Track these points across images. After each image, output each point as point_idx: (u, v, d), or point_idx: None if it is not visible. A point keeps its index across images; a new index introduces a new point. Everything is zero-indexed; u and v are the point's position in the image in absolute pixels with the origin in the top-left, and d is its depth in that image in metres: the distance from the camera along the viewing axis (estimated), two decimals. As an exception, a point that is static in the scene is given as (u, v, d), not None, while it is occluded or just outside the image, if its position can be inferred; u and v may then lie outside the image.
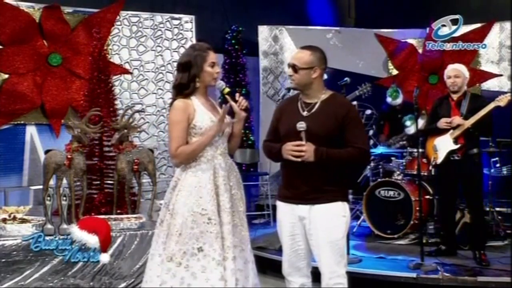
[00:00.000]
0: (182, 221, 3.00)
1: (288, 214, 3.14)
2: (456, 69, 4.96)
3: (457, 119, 4.81)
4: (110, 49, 6.55)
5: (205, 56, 3.11)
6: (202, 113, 3.09)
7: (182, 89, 3.12)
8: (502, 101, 4.66)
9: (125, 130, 4.81)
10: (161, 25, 6.92)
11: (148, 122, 6.65)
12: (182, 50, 6.72)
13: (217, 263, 2.96)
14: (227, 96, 3.18)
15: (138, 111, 5.30)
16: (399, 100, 6.56)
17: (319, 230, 3.03)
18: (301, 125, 3.00)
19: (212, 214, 3.00)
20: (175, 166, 3.11)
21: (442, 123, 4.86)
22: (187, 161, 3.08)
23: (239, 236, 3.11)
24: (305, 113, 3.09)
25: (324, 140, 2.99)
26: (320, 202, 3.03)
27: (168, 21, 6.97)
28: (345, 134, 3.02)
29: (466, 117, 4.79)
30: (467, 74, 5.00)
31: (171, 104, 3.17)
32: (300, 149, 2.97)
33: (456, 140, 4.81)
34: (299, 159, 2.97)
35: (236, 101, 3.15)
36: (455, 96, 4.95)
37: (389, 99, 6.60)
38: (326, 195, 3.02)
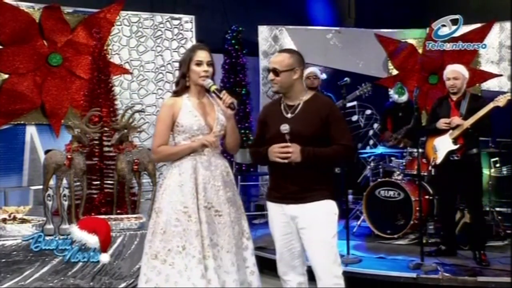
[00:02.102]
0: (166, 219, 3.03)
1: (278, 214, 3.16)
2: (455, 71, 4.94)
3: (456, 120, 4.81)
4: (110, 49, 6.55)
5: (192, 55, 3.16)
6: (186, 112, 3.12)
7: (175, 87, 3.24)
8: (501, 101, 4.66)
9: (125, 130, 4.82)
10: (161, 25, 6.92)
11: (148, 122, 6.64)
12: (182, 50, 6.73)
13: (197, 261, 2.97)
14: (213, 94, 3.20)
15: (138, 111, 5.30)
16: (404, 97, 6.53)
17: (312, 229, 3.04)
18: (285, 127, 3.04)
19: (192, 212, 3.02)
20: (154, 161, 3.24)
21: (441, 123, 4.86)
22: (164, 161, 3.28)
23: (225, 238, 3.09)
24: (288, 115, 3.13)
25: (309, 140, 3.03)
26: (310, 200, 3.05)
27: (168, 21, 6.96)
28: (329, 133, 3.06)
29: (465, 118, 4.78)
30: (466, 74, 4.98)
31: None
32: (287, 151, 3.00)
33: (455, 141, 4.81)
34: (286, 161, 3.00)
35: (221, 98, 3.15)
36: (454, 97, 4.95)
37: (395, 96, 6.57)
38: (316, 194, 3.05)
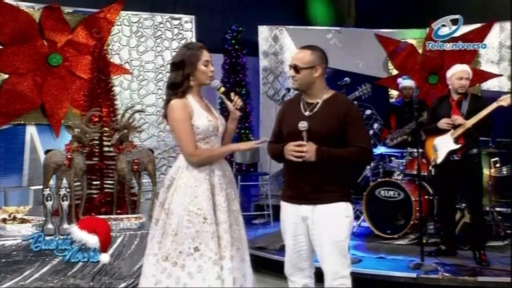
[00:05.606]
0: (178, 220, 2.99)
1: (291, 214, 3.13)
2: (467, 72, 4.91)
3: (459, 119, 4.80)
4: (110, 49, 6.55)
5: (199, 55, 3.10)
6: (199, 113, 3.08)
7: (176, 88, 3.11)
8: (505, 100, 4.64)
9: (125, 130, 4.81)
10: (161, 25, 6.92)
11: (148, 122, 6.66)
12: (182, 50, 6.73)
13: (213, 262, 2.95)
14: (222, 96, 3.19)
15: (138, 111, 5.30)
16: (411, 83, 6.49)
17: (322, 230, 3.01)
18: (303, 125, 2.99)
19: (207, 214, 2.99)
20: (193, 166, 3.03)
21: (443, 123, 4.85)
22: (204, 164, 3.04)
23: (235, 235, 3.10)
24: (307, 113, 3.08)
25: (325, 139, 2.99)
26: (322, 202, 3.02)
27: (168, 21, 6.97)
28: (346, 134, 3.01)
29: (466, 117, 4.78)
30: (471, 76, 5.00)
31: (165, 104, 3.15)
32: (301, 149, 2.96)
33: (456, 140, 4.81)
34: (300, 160, 2.96)
35: (231, 100, 3.15)
36: (456, 97, 4.94)
37: (404, 81, 6.52)
38: (329, 196, 3.01)
